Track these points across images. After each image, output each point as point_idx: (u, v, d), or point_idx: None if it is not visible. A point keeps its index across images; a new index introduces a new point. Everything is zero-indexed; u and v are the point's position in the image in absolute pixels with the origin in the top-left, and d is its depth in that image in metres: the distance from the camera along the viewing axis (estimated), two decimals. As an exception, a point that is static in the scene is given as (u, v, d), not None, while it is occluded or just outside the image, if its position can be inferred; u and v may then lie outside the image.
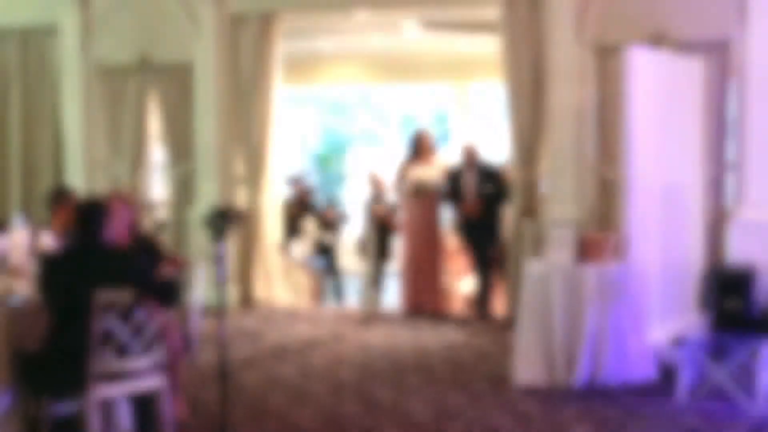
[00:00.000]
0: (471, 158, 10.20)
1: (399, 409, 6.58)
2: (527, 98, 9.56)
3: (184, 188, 10.93)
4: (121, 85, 11.00)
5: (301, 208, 14.57)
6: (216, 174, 10.61)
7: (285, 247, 12.06)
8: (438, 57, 16.30)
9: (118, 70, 10.99)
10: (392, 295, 11.20)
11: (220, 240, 5.27)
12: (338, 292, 13.94)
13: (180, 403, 6.36)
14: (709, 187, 9.06)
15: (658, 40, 8.97)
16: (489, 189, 10.00)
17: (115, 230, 5.85)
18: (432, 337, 8.85)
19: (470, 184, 10.06)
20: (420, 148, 10.49)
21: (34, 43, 11.40)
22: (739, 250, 8.54)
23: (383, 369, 7.75)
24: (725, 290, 6.51)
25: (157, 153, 12.39)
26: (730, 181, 9.06)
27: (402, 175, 10.47)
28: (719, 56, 8.93)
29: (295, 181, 15.52)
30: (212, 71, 10.52)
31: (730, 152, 9.11)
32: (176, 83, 10.80)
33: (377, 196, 10.98)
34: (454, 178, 10.17)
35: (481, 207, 9.98)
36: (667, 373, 7.34)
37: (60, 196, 6.48)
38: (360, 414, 6.48)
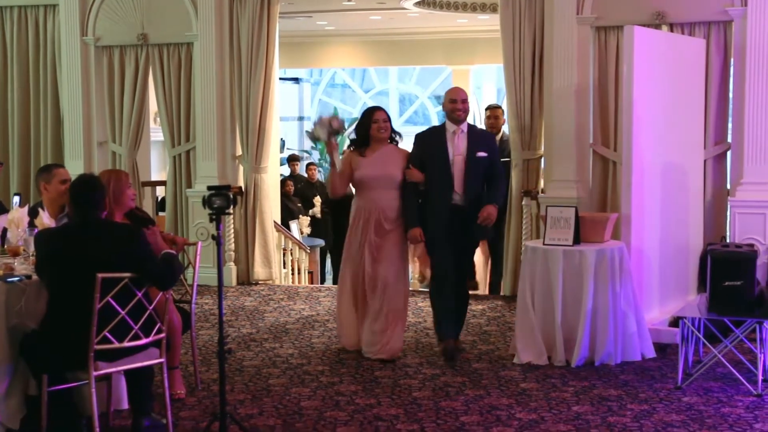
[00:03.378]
0: None
1: (398, 387, 6.58)
2: (527, 78, 9.53)
3: (183, 167, 10.92)
4: (120, 63, 10.98)
5: (304, 187, 14.63)
6: (215, 153, 10.59)
7: (285, 225, 12.08)
8: (438, 38, 16.27)
9: (117, 48, 10.96)
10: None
11: (219, 219, 5.26)
12: (337, 271, 13.94)
13: (178, 382, 6.37)
14: (710, 167, 9.06)
15: (658, 19, 8.95)
16: None
17: (113, 208, 5.84)
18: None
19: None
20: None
21: (32, 20, 11.36)
22: (739, 230, 8.56)
23: (382, 348, 7.75)
24: (725, 270, 6.50)
25: (156, 132, 12.39)
26: (730, 161, 9.05)
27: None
28: (720, 35, 8.91)
29: (294, 159, 15.56)
30: (212, 50, 10.48)
31: (730, 132, 9.11)
32: (176, 62, 10.77)
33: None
34: None
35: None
36: (666, 353, 7.36)
37: (45, 172, 6.45)
38: (359, 393, 6.49)
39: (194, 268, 6.67)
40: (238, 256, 10.76)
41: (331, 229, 13.41)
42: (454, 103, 7.34)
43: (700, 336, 6.71)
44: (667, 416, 5.92)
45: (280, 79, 11.68)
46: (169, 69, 10.80)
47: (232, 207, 5.31)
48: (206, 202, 5.28)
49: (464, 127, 7.34)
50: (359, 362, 7.28)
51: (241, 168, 10.80)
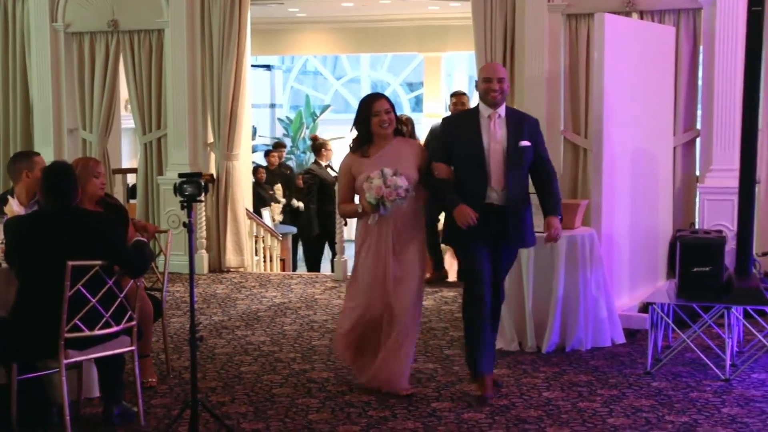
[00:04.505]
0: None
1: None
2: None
3: (154, 154, 10.87)
4: (90, 50, 10.90)
5: (278, 175, 14.59)
6: (187, 140, 10.55)
7: (256, 213, 12.06)
8: (409, 25, 16.25)
9: (88, 34, 10.88)
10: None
11: (190, 206, 5.25)
12: (309, 258, 13.96)
13: (149, 370, 6.36)
14: (680, 154, 9.12)
15: (629, 6, 8.99)
16: None
17: (86, 196, 5.81)
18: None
19: None
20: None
21: (1, 6, 11.26)
22: (708, 216, 8.64)
23: (354, 335, 7.76)
24: (693, 257, 6.56)
25: (127, 119, 12.33)
26: (699, 148, 9.12)
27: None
28: (689, 23, 8.97)
29: (277, 148, 15.53)
30: (183, 37, 10.43)
31: (699, 119, 9.17)
32: (146, 49, 10.71)
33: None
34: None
35: None
36: (636, 339, 7.42)
37: (27, 160, 6.38)
38: (331, 380, 6.50)
39: (165, 255, 6.65)
40: (209, 244, 10.74)
41: (316, 217, 13.32)
42: (489, 83, 5.96)
43: (670, 322, 6.77)
44: (637, 401, 5.97)
45: (252, 66, 11.64)
46: (140, 56, 10.74)
47: (203, 194, 5.29)
48: (177, 189, 5.26)
49: (502, 111, 6.01)
50: (331, 349, 7.29)
51: (212, 155, 10.77)
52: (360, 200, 6.06)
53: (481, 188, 5.91)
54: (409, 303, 6.05)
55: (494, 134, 5.94)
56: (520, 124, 6.02)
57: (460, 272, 10.00)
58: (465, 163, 5.97)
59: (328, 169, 13.13)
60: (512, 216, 5.94)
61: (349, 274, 10.27)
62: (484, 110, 6.00)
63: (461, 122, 6.18)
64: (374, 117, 6.02)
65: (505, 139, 5.94)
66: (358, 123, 6.11)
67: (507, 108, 6.08)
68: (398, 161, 5.97)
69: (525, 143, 5.96)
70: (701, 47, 9.00)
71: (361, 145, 6.11)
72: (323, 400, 6.06)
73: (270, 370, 6.74)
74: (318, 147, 13.40)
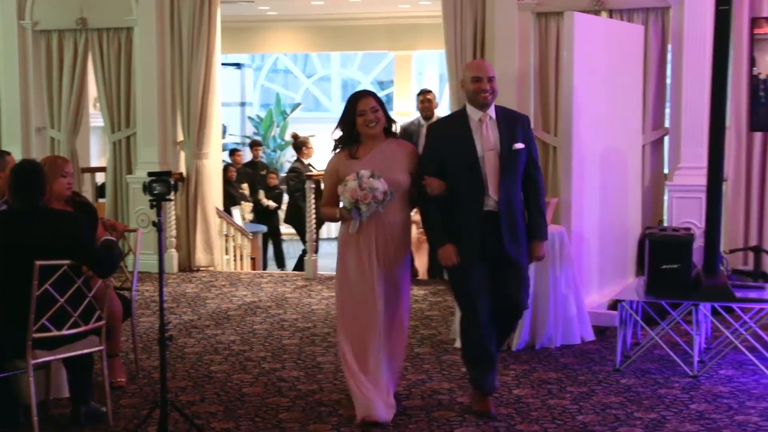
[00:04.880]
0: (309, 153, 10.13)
1: (341, 373, 6.59)
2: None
3: (123, 153, 10.81)
4: (59, 48, 10.83)
5: (244, 174, 14.56)
6: (156, 139, 10.51)
7: (227, 212, 12.02)
8: (380, 23, 16.25)
9: (56, 32, 10.81)
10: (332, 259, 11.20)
11: (160, 205, 5.22)
12: (279, 257, 13.95)
13: (119, 370, 6.32)
14: (648, 152, 9.18)
15: (598, 5, 9.03)
16: None
17: (53, 195, 5.77)
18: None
19: None
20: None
21: (-33, 4, 11.18)
22: (676, 214, 8.70)
23: (325, 333, 7.76)
24: (662, 254, 6.59)
25: (96, 117, 12.25)
26: (668, 146, 9.18)
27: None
28: (658, 21, 9.02)
29: (253, 147, 15.51)
30: (152, 35, 10.38)
31: (667, 117, 9.23)
32: (115, 47, 10.65)
33: (309, 161, 10.98)
34: None
35: None
36: (605, 336, 7.46)
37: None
38: (301, 379, 6.49)
39: (135, 254, 6.62)
40: (179, 243, 10.69)
41: (290, 212, 13.24)
42: (479, 83, 5.51)
43: (638, 319, 6.81)
44: (606, 398, 6.00)
45: (222, 64, 11.60)
46: (109, 54, 10.68)
47: (173, 193, 5.26)
48: (147, 188, 5.23)
49: (492, 112, 5.56)
50: (301, 348, 7.27)
51: (182, 154, 10.72)
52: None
53: (477, 197, 5.46)
54: (396, 322, 5.66)
55: (487, 139, 5.49)
56: (512, 124, 5.59)
57: (431, 271, 10.04)
58: (459, 173, 5.48)
59: (311, 168, 13.11)
60: (508, 226, 5.48)
61: (320, 272, 10.27)
62: (474, 113, 5.55)
63: (450, 128, 5.64)
64: (359, 116, 5.52)
65: (499, 143, 5.49)
66: (343, 122, 5.61)
67: (496, 107, 5.63)
68: (389, 163, 5.50)
69: (519, 146, 5.53)
70: (669, 46, 9.05)
71: (349, 146, 5.60)
72: (293, 399, 6.05)
73: (240, 370, 6.72)
74: (299, 145, 13.37)
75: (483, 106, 5.54)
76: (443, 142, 5.56)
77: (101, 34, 10.67)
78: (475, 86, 5.53)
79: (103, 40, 10.68)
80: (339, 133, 5.68)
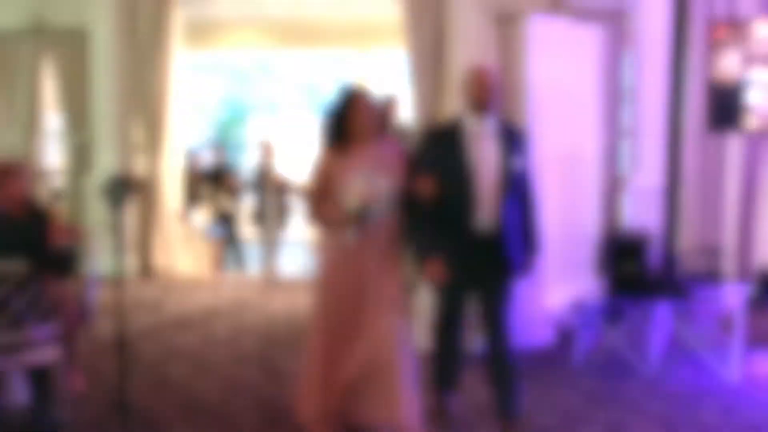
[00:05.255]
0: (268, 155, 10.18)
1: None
2: (429, 64, 9.58)
3: (81, 156, 10.72)
4: (13, 50, 10.71)
5: (214, 177, 14.47)
6: (114, 142, 10.43)
7: (186, 215, 11.94)
8: (339, 22, 16.23)
9: (10, 34, 10.69)
10: (292, 261, 11.19)
11: (118, 209, 5.18)
12: (239, 261, 13.87)
13: (77, 376, 6.25)
14: (605, 154, 9.23)
15: (556, 7, 9.08)
16: None
17: (7, 199, 5.70)
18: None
19: None
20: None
21: None
22: (634, 215, 8.75)
23: (285, 337, 7.74)
24: (621, 255, 6.65)
25: (53, 120, 12.13)
26: (625, 149, 9.25)
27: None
28: (616, 24, 9.08)
29: (217, 150, 15.42)
30: (109, 36, 10.30)
31: (625, 120, 9.30)
32: (72, 49, 10.56)
33: (269, 163, 10.94)
34: None
35: None
36: (565, 337, 7.49)
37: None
38: (262, 382, 6.47)
39: (92, 259, 6.56)
40: (138, 246, 10.61)
41: (255, 213, 13.16)
42: (479, 90, 5.10)
43: (599, 320, 6.84)
44: (566, 399, 6.02)
45: (180, 66, 11.52)
46: (66, 56, 10.58)
47: (131, 196, 5.22)
48: (105, 191, 5.19)
49: (491, 121, 5.12)
50: (262, 352, 7.24)
51: (140, 156, 10.65)
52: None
53: (469, 216, 5.03)
54: (391, 347, 5.07)
55: (484, 151, 5.06)
56: (510, 137, 5.15)
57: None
58: (449, 187, 5.00)
59: (274, 169, 13.04)
60: (506, 246, 5.07)
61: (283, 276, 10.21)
62: (470, 123, 5.11)
63: (443, 139, 5.16)
64: (351, 113, 5.09)
65: (496, 158, 5.06)
66: (333, 119, 5.12)
67: (495, 118, 5.16)
68: (381, 164, 5.05)
69: (518, 160, 5.13)
70: (627, 49, 9.11)
71: (339, 144, 5.11)
72: (254, 403, 6.02)
73: (200, 374, 6.68)
74: (264, 147, 13.29)
75: (481, 116, 5.11)
76: (435, 153, 5.13)
77: (58, 35, 10.57)
78: (474, 93, 5.10)
79: (60, 42, 10.58)
80: (329, 129, 5.16)
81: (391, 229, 5.09)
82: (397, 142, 5.37)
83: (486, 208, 5.04)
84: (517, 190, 5.14)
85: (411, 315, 5.52)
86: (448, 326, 5.30)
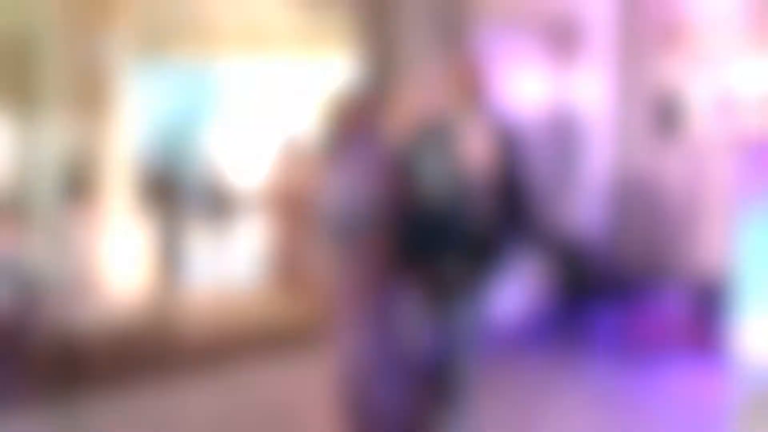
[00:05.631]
0: None
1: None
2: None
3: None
4: None
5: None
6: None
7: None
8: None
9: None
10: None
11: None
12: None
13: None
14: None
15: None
16: None
17: None
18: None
19: None
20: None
21: None
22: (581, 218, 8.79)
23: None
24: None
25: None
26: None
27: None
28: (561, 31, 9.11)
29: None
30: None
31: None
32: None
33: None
34: None
35: None
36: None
37: None
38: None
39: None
40: None
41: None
42: (465, 83, 4.66)
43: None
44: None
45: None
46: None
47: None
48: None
49: (480, 127, 4.65)
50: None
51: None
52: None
53: (456, 230, 4.54)
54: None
55: (472, 160, 4.60)
56: (502, 144, 4.68)
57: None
58: (433, 200, 4.55)
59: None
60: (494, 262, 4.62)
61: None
62: (455, 126, 4.66)
63: (428, 145, 4.65)
64: (343, 116, 4.78)
65: (485, 166, 4.59)
66: (324, 126, 4.82)
67: (484, 122, 4.70)
68: (366, 172, 4.67)
69: (514, 169, 4.67)
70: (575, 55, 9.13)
71: (326, 151, 4.79)
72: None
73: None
74: None
75: (468, 118, 4.66)
76: (417, 160, 4.63)
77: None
78: (465, 96, 4.67)
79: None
80: (315, 137, 4.93)
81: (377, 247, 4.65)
82: (384, 150, 4.83)
83: (475, 224, 4.59)
84: (513, 200, 4.68)
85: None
86: None
